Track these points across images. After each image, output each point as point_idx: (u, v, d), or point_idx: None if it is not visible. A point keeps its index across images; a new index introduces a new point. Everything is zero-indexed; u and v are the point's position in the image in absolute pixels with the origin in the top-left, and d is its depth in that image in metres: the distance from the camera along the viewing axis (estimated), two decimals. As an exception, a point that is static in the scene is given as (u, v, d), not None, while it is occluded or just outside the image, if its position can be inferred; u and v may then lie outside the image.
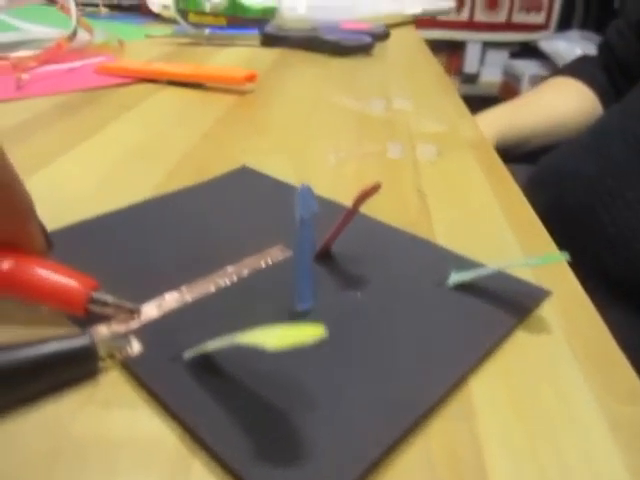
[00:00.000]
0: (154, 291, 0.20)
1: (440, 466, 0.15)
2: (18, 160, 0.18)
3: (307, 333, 0.13)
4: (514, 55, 2.53)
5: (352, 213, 0.22)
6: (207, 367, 0.17)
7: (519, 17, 2.45)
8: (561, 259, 0.20)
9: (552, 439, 0.16)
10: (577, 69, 0.78)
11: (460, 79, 2.59)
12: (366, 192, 0.21)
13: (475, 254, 0.24)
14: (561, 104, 0.76)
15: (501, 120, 0.74)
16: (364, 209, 0.25)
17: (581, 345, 0.20)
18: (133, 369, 0.17)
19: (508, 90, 2.44)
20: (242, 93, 0.48)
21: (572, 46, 2.14)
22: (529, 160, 0.71)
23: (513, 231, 0.27)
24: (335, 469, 0.14)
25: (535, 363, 0.19)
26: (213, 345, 0.16)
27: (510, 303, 0.21)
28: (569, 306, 0.22)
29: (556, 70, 0.86)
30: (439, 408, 0.16)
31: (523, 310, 0.20)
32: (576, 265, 0.26)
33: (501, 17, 2.45)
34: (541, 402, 0.17)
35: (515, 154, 0.73)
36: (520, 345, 0.19)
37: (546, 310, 0.21)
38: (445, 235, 0.26)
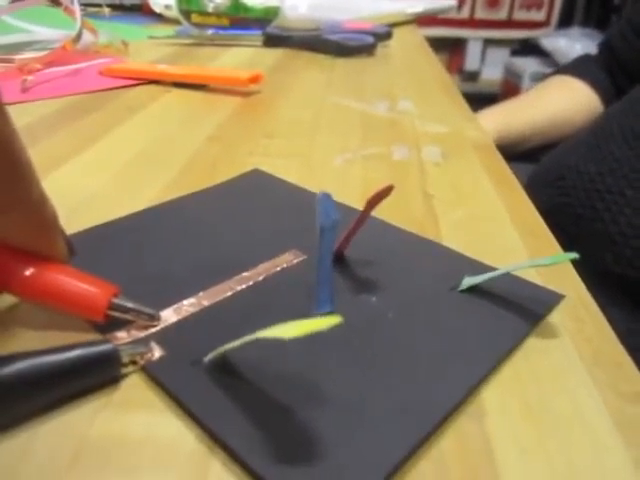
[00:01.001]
0: (171, 297, 0.21)
1: (452, 464, 0.15)
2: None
3: (324, 321, 0.13)
4: (515, 53, 2.53)
5: (365, 215, 0.22)
6: (227, 371, 0.17)
7: (520, 14, 2.45)
8: (568, 258, 0.21)
9: (560, 437, 0.16)
10: (578, 68, 0.78)
11: (461, 77, 2.59)
12: (379, 194, 0.21)
13: (481, 255, 0.24)
14: (562, 103, 0.76)
15: (500, 118, 0.74)
16: (372, 211, 0.26)
17: (589, 349, 0.20)
18: (154, 373, 0.17)
19: (509, 88, 2.44)
20: (247, 94, 0.48)
21: (573, 43, 2.14)
22: (530, 159, 0.71)
23: (518, 233, 0.28)
24: (355, 471, 0.14)
25: (544, 367, 0.19)
26: (232, 344, 0.16)
27: (524, 308, 0.21)
28: (576, 310, 0.22)
29: (556, 69, 0.86)
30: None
31: (536, 316, 0.21)
32: (577, 263, 0.26)
33: (502, 14, 2.45)
34: (550, 403, 0.17)
35: (514, 152, 0.74)
36: (530, 350, 0.20)
37: (554, 314, 0.21)
38: (451, 237, 0.27)
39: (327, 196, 0.19)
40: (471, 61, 2.59)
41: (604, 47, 0.77)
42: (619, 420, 0.17)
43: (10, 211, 0.17)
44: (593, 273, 0.48)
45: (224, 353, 0.17)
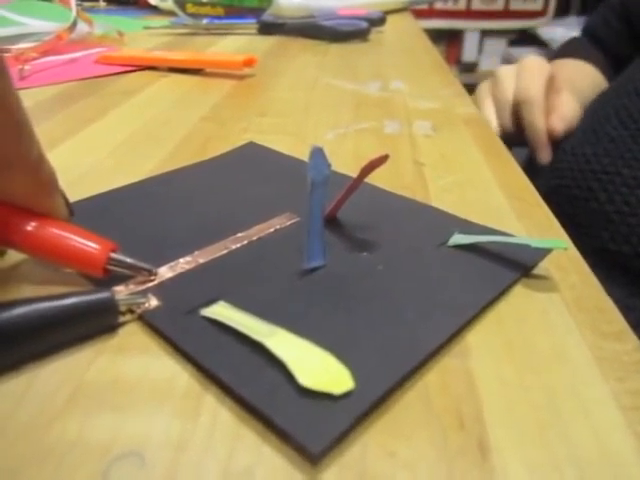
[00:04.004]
0: (168, 256, 0.21)
1: (435, 396, 0.16)
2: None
3: (338, 384, 0.15)
4: (513, 43, 2.52)
5: (359, 181, 0.23)
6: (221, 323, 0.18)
7: (516, 4, 2.44)
8: (559, 246, 0.21)
9: (541, 372, 0.17)
10: (579, 51, 0.76)
11: (459, 68, 2.58)
12: (374, 162, 0.21)
13: (469, 217, 0.25)
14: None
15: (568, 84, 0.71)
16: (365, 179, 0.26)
17: (572, 295, 0.20)
18: (150, 320, 0.18)
19: (507, 78, 2.44)
20: (241, 78, 0.49)
21: (570, 32, 2.12)
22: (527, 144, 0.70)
23: (506, 196, 0.28)
24: (343, 400, 0.15)
25: (528, 311, 0.19)
26: (234, 322, 0.17)
27: (510, 261, 0.22)
28: (560, 260, 0.23)
29: (552, 54, 0.85)
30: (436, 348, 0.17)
31: (522, 267, 0.21)
32: (575, 242, 0.27)
33: (499, 5, 2.45)
34: (532, 342, 0.18)
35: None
36: (515, 297, 0.20)
37: (541, 266, 0.22)
38: (440, 200, 0.27)
39: (320, 150, 0.20)
40: (469, 52, 2.58)
41: (586, 33, 0.76)
42: (598, 356, 0.17)
43: (12, 167, 0.18)
44: (591, 251, 0.48)
45: (220, 317, 0.17)
